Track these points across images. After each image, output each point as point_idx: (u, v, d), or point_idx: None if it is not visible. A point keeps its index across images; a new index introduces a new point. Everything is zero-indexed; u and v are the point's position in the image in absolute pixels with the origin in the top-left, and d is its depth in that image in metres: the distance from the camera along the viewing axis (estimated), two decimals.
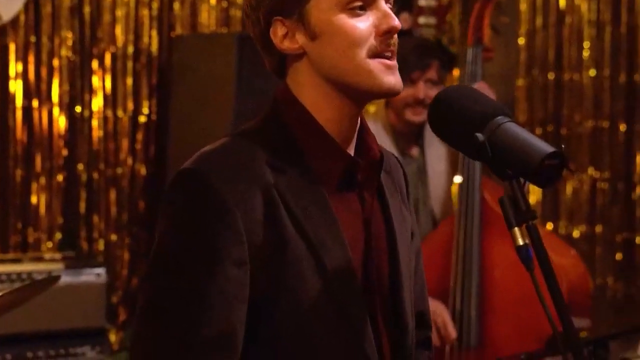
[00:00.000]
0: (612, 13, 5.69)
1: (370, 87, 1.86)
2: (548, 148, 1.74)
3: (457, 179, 4.13)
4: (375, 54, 1.86)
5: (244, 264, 1.78)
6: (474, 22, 4.23)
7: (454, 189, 4.67)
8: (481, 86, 4.03)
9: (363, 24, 1.85)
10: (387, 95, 1.91)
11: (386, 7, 1.88)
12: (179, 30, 5.37)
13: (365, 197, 1.93)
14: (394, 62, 1.88)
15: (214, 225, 1.77)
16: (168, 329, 1.77)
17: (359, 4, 1.85)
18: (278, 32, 1.88)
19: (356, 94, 1.88)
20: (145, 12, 5.30)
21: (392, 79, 1.87)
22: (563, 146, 1.76)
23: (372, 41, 1.85)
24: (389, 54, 1.87)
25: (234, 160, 1.83)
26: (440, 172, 4.10)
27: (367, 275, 1.91)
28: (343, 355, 1.85)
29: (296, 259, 1.81)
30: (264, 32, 1.90)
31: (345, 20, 1.85)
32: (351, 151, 1.93)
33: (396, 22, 1.87)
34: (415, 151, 4.08)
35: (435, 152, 4.09)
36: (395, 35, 1.89)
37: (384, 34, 1.86)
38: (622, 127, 5.68)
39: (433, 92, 4.35)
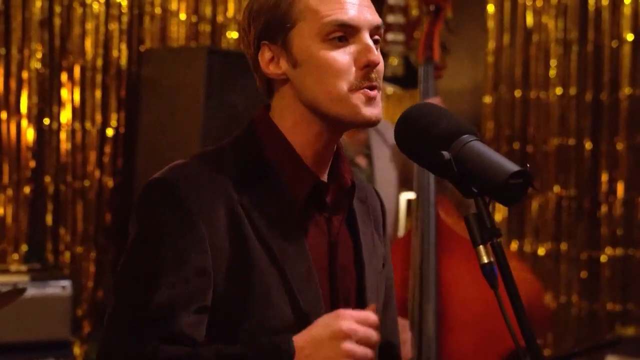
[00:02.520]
0: (579, 32, 5.74)
1: (351, 118, 1.88)
2: (513, 167, 1.76)
3: (409, 195, 4.15)
4: (354, 88, 1.87)
5: (205, 274, 1.82)
6: (424, 40, 4.26)
7: (404, 205, 4.70)
8: (436, 102, 4.06)
9: (343, 56, 1.87)
10: (367, 125, 1.93)
11: (368, 40, 1.89)
12: (148, 44, 5.37)
13: (333, 221, 1.96)
14: (374, 93, 1.89)
15: (178, 231, 1.82)
16: (123, 335, 1.86)
17: (339, 34, 1.87)
18: (265, 56, 1.92)
19: (335, 123, 1.91)
20: (115, 26, 5.30)
21: (372, 110, 1.88)
22: (528, 165, 1.78)
23: (352, 74, 1.87)
24: (370, 85, 1.88)
25: (200, 174, 1.87)
26: (389, 182, 4.11)
27: (332, 292, 1.94)
28: None
29: (260, 272, 1.84)
30: (254, 54, 1.94)
31: (325, 52, 1.87)
32: (324, 176, 1.96)
33: (375, 56, 1.88)
34: (363, 161, 4.09)
35: (384, 162, 4.11)
36: (379, 67, 1.90)
37: (363, 68, 1.87)
38: (588, 145, 5.72)
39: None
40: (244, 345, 1.80)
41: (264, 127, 1.94)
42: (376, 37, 1.92)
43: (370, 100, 1.88)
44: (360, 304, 1.97)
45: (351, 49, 1.88)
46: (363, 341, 1.75)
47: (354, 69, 1.87)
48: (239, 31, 2.01)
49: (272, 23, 1.90)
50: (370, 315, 1.77)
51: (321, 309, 1.88)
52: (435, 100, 4.05)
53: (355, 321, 1.75)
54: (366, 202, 2.07)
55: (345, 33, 1.87)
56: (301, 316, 1.86)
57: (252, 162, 1.91)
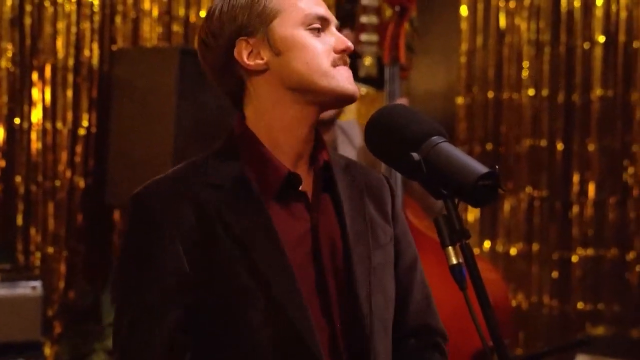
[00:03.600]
0: (552, 34, 5.77)
1: (335, 90, 1.99)
2: (482, 168, 1.76)
3: None
4: (335, 64, 2.00)
5: (179, 273, 1.93)
6: (389, 41, 4.27)
7: None
8: (403, 102, 4.07)
9: (322, 43, 2.01)
10: (350, 100, 2.03)
11: (337, 32, 2.04)
12: (120, 43, 5.35)
13: (313, 206, 2.01)
14: (348, 72, 2.03)
15: (148, 239, 1.96)
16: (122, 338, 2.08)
17: (317, 26, 2.00)
18: (243, 51, 2.00)
19: (321, 97, 2.00)
20: (86, 25, 5.27)
21: (352, 86, 2.01)
22: (497, 167, 1.78)
23: (332, 55, 2.00)
24: (345, 65, 2.03)
25: (173, 182, 2.00)
26: None
27: (320, 276, 1.99)
28: (285, 351, 1.93)
29: (229, 261, 1.92)
30: (224, 55, 2.02)
31: (308, 37, 2.00)
32: (303, 164, 2.02)
33: (349, 43, 2.03)
34: None
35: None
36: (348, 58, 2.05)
37: (340, 52, 2.01)
38: (560, 147, 5.75)
39: None
40: None
41: (240, 133, 2.03)
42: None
43: (349, 77, 2.01)
44: (349, 275, 2.01)
45: (326, 38, 2.01)
46: None
47: (332, 53, 2.00)
48: (199, 43, 2.06)
49: (251, 19, 2.00)
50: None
51: (296, 293, 1.93)
52: (402, 101, 4.06)
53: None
54: (359, 182, 2.12)
55: (321, 25, 2.01)
56: (275, 302, 1.92)
57: (226, 164, 2.00)
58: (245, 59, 2.00)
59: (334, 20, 2.05)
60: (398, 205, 2.20)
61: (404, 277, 2.18)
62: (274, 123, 2.00)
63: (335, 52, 2.00)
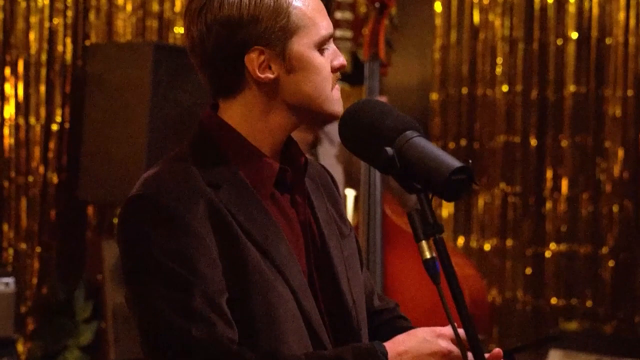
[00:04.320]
0: (525, 30, 5.79)
1: (332, 114, 2.01)
2: (456, 163, 1.77)
3: (353, 192, 4.17)
4: (332, 87, 2.00)
5: (217, 264, 1.89)
6: (369, 37, 4.27)
7: (351, 201, 4.71)
8: (382, 100, 4.08)
9: (327, 61, 2.00)
10: (337, 119, 2.02)
11: (334, 45, 2.02)
12: (94, 38, 5.33)
13: (298, 200, 2.03)
14: (338, 87, 2.04)
15: (173, 239, 1.87)
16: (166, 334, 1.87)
17: (327, 45, 1.99)
18: (256, 60, 1.95)
19: (316, 118, 2.03)
20: (59, 20, 5.25)
21: (341, 106, 2.02)
22: (470, 161, 1.79)
23: (332, 76, 2.00)
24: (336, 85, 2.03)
25: (174, 180, 1.93)
26: (337, 180, 4.13)
27: (310, 271, 2.01)
28: (300, 333, 1.94)
29: (251, 257, 1.90)
30: (231, 53, 1.95)
31: (320, 58, 1.98)
32: (277, 159, 2.02)
33: (344, 60, 2.03)
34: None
35: (329, 160, 4.12)
36: None
37: (337, 70, 2.01)
38: (534, 142, 5.77)
39: None
40: (337, 350, 1.92)
41: (217, 128, 2.00)
42: None
43: (339, 97, 2.02)
44: (331, 269, 2.03)
45: (327, 53, 2.00)
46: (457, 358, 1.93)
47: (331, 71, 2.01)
48: (195, 21, 1.96)
49: (274, 30, 1.94)
50: (462, 333, 1.87)
51: (305, 285, 1.96)
52: (381, 99, 4.06)
53: (451, 340, 1.93)
54: (315, 178, 2.13)
55: (327, 43, 2.00)
56: (294, 294, 1.93)
57: (214, 162, 1.97)
58: (256, 69, 1.95)
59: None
60: (340, 192, 2.23)
61: (360, 260, 2.21)
62: (258, 125, 1.98)
63: (332, 70, 2.00)
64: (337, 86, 2.02)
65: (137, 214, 1.91)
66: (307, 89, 1.96)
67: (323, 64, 1.98)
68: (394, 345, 1.93)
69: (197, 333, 1.83)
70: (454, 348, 1.92)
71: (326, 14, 2.01)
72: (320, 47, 1.97)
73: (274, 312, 1.89)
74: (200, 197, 1.90)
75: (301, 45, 1.95)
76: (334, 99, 1.99)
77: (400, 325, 2.17)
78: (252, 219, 1.92)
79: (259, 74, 1.95)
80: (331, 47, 2.01)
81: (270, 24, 1.93)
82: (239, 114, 1.99)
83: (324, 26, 1.98)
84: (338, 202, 2.17)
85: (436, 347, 1.92)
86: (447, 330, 1.93)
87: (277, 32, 1.94)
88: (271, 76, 1.95)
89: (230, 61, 1.95)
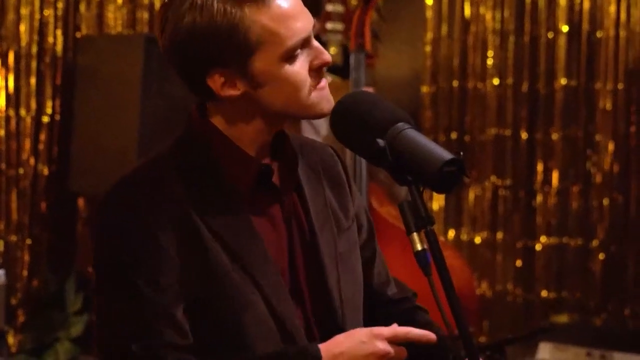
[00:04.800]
0: (516, 23, 5.79)
1: (314, 115, 1.97)
2: (447, 155, 1.77)
3: None
4: (312, 88, 1.93)
5: (173, 273, 1.87)
6: (355, 28, 4.26)
7: None
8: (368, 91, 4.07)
9: (301, 65, 1.91)
10: (324, 117, 1.98)
11: (316, 43, 1.94)
12: (84, 30, 5.32)
13: (284, 197, 2.00)
14: (324, 84, 1.95)
15: (139, 241, 1.88)
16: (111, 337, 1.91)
17: (299, 51, 1.91)
18: (217, 81, 1.90)
19: (298, 119, 2.08)
20: (50, 12, 5.23)
21: (328, 105, 1.95)
22: (461, 153, 1.79)
23: (309, 79, 1.92)
24: (322, 82, 1.96)
25: (147, 184, 1.92)
26: None
27: (293, 265, 1.98)
28: (271, 338, 1.92)
29: (218, 263, 1.89)
30: (192, 72, 1.92)
31: (288, 69, 1.90)
32: (266, 157, 2.00)
33: (327, 56, 1.95)
34: None
35: None
36: None
37: (319, 69, 1.94)
38: (524, 136, 5.77)
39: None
40: (270, 354, 1.90)
41: (204, 129, 1.97)
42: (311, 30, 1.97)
43: (325, 95, 1.95)
44: (318, 264, 2.01)
45: (304, 55, 1.93)
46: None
47: (309, 72, 1.93)
48: (159, 34, 1.95)
49: (227, 51, 1.88)
50: (401, 332, 1.89)
51: (282, 288, 1.94)
52: (367, 90, 4.06)
53: (389, 342, 1.89)
54: (316, 167, 2.10)
55: (301, 47, 1.91)
56: (265, 298, 1.91)
57: (196, 161, 1.95)
58: (220, 89, 1.91)
59: (312, 29, 1.94)
60: (350, 177, 2.19)
61: (368, 249, 2.18)
62: (242, 129, 1.96)
63: (312, 69, 1.92)
64: (324, 82, 1.95)
65: (104, 220, 1.93)
66: (279, 101, 1.92)
67: (294, 74, 1.90)
68: (331, 346, 1.90)
69: (137, 348, 1.84)
70: (391, 350, 1.89)
71: (300, 13, 1.91)
72: (288, 57, 1.89)
73: (240, 318, 1.88)
74: (171, 203, 1.89)
75: (263, 61, 1.89)
76: (314, 101, 1.93)
77: (418, 319, 2.16)
78: (225, 222, 1.91)
79: (223, 93, 1.91)
80: (310, 46, 1.93)
81: (225, 45, 1.87)
82: (221, 117, 1.96)
83: (293, 33, 1.89)
84: (343, 191, 2.13)
85: (372, 348, 1.88)
86: (385, 330, 1.90)
87: (234, 52, 1.87)
88: (236, 93, 1.91)
89: (196, 81, 1.92)
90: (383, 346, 1.88)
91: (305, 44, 1.91)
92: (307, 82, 1.92)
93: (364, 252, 2.16)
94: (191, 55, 1.89)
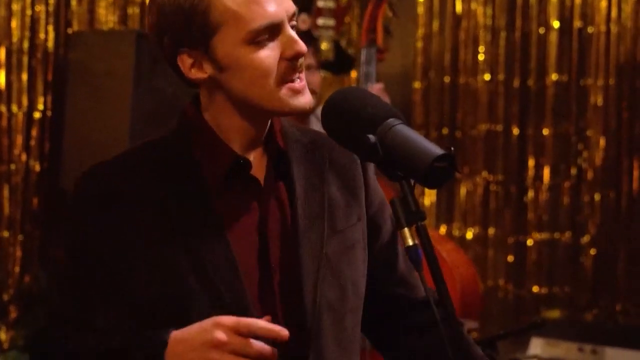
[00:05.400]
0: (507, 19, 5.80)
1: (281, 110, 1.91)
2: (438, 150, 1.77)
3: None
4: (282, 81, 1.88)
5: (118, 267, 1.88)
6: (367, 23, 4.26)
7: None
8: (377, 87, 4.07)
9: (269, 53, 1.87)
10: (300, 113, 1.94)
11: (291, 32, 1.89)
12: (76, 26, 5.31)
13: (264, 193, 1.96)
14: (302, 84, 1.91)
15: (98, 221, 1.89)
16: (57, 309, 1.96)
17: (265, 36, 1.87)
18: (185, 62, 1.90)
19: (267, 115, 1.94)
20: (41, 8, 5.23)
21: (302, 100, 1.91)
22: (452, 149, 1.79)
23: (279, 68, 1.88)
24: (296, 76, 1.90)
25: (120, 171, 1.92)
26: None
27: (265, 265, 1.94)
28: None
29: (174, 264, 1.87)
30: (170, 58, 1.92)
31: (252, 54, 1.86)
32: (258, 149, 1.97)
33: (301, 46, 1.89)
34: None
35: None
36: (302, 58, 1.92)
37: (291, 59, 1.88)
38: (516, 131, 5.79)
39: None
40: (129, 337, 1.85)
41: (192, 121, 1.96)
42: (293, 22, 1.92)
43: (298, 92, 1.90)
44: (295, 264, 1.95)
45: (276, 44, 1.88)
46: (237, 351, 1.75)
47: (280, 62, 1.88)
48: (147, 30, 1.96)
49: (191, 30, 1.87)
50: (243, 322, 1.76)
51: (243, 291, 1.89)
52: (377, 86, 4.06)
53: (233, 331, 1.75)
54: (322, 162, 2.05)
55: (270, 34, 1.87)
56: (222, 304, 1.86)
57: (176, 155, 1.93)
58: (188, 71, 1.90)
59: (286, 16, 1.89)
60: (372, 178, 2.15)
61: (386, 251, 2.12)
62: (224, 122, 1.94)
63: (284, 59, 1.88)
64: (301, 76, 1.91)
65: (76, 195, 1.95)
66: (241, 87, 1.88)
67: (258, 60, 1.86)
68: (182, 332, 1.81)
69: (54, 329, 1.93)
70: (232, 339, 1.75)
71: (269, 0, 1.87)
72: (254, 41, 1.85)
73: (184, 321, 1.83)
74: (139, 193, 1.88)
75: (225, 43, 1.86)
76: (283, 95, 1.89)
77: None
78: (189, 219, 1.88)
79: (191, 75, 1.90)
80: (283, 35, 1.88)
81: (187, 24, 1.86)
82: (209, 110, 1.96)
83: (256, 16, 1.85)
84: (355, 192, 2.07)
85: (209, 336, 1.76)
86: (228, 319, 1.77)
87: (196, 32, 1.86)
88: (203, 76, 1.90)
89: (171, 63, 1.93)
90: (220, 335, 1.75)
91: (274, 31, 1.87)
92: (274, 72, 1.87)
93: (382, 255, 2.11)
94: (162, 35, 1.90)
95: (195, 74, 1.90)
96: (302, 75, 1.93)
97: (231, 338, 1.75)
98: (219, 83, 1.91)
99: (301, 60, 1.92)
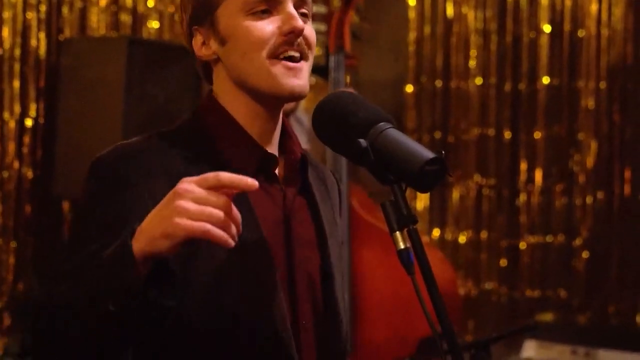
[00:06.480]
0: (498, 23, 5.81)
1: (270, 89, 1.91)
2: (429, 154, 1.77)
3: None
4: (275, 54, 1.90)
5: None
6: (334, 29, 4.25)
7: None
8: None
9: (266, 25, 1.90)
10: (290, 98, 1.95)
11: (291, 9, 1.91)
12: (67, 33, 5.31)
13: (287, 193, 1.97)
14: (299, 65, 1.92)
15: (119, 199, 1.83)
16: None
17: (263, 8, 1.91)
18: (197, 40, 1.96)
19: (260, 96, 1.93)
20: (32, 15, 5.23)
21: (294, 81, 1.91)
22: (443, 152, 1.79)
23: (274, 42, 1.90)
24: (293, 53, 1.91)
25: (141, 151, 1.89)
26: None
27: (289, 266, 1.94)
28: (258, 345, 1.87)
29: (207, 247, 1.77)
30: (188, 40, 1.98)
31: (249, 24, 1.90)
32: (272, 149, 1.97)
33: (299, 22, 1.90)
34: None
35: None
36: (308, 37, 1.93)
37: (286, 35, 1.90)
38: (507, 135, 5.80)
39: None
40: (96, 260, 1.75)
41: (209, 108, 1.97)
42: (303, 10, 1.95)
43: (291, 70, 1.91)
44: (326, 271, 1.99)
45: (276, 19, 1.91)
46: (201, 200, 1.63)
47: (276, 37, 1.90)
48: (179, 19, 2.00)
49: (199, 7, 1.94)
50: (217, 175, 1.65)
51: (275, 278, 1.88)
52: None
53: (195, 183, 1.65)
54: (325, 181, 2.10)
55: (269, 6, 1.91)
56: (254, 289, 1.86)
57: (199, 140, 1.93)
58: (199, 49, 1.96)
59: None
60: (344, 202, 2.19)
61: None
62: (237, 116, 1.95)
63: (280, 34, 1.90)
64: (301, 62, 1.92)
65: (94, 175, 1.88)
66: (237, 58, 1.91)
67: (254, 29, 1.89)
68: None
69: (43, 288, 1.81)
70: (194, 188, 1.64)
71: None
72: (251, 11, 1.90)
73: (214, 298, 1.82)
74: (165, 173, 1.84)
75: (225, 14, 1.92)
76: (271, 71, 1.90)
77: None
78: None
79: (200, 53, 1.96)
80: (283, 11, 1.91)
81: (195, 2, 1.95)
82: (216, 92, 1.98)
83: None
84: (335, 205, 2.12)
85: (171, 193, 1.65)
86: (192, 177, 1.67)
87: (204, 6, 1.93)
88: (209, 52, 1.95)
89: (190, 45, 1.98)
90: (183, 185, 1.65)
91: (274, 5, 1.91)
92: (267, 44, 1.89)
93: None
94: (182, 17, 1.98)
95: (204, 52, 1.95)
96: (304, 64, 1.94)
97: (194, 188, 1.64)
98: (222, 60, 1.94)
99: (305, 42, 1.93)
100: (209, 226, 1.61)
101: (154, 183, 1.83)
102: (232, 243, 1.63)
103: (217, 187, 1.64)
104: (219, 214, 1.63)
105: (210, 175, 1.64)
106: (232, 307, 1.84)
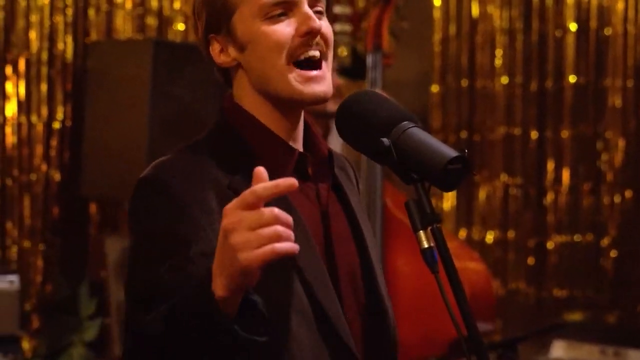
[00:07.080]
0: (524, 21, 5.80)
1: (290, 95, 1.91)
2: (452, 152, 1.77)
3: None
4: (295, 56, 1.89)
5: (210, 256, 1.74)
6: (372, 27, 4.24)
7: None
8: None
9: (283, 28, 1.89)
10: (313, 103, 1.93)
11: (308, 10, 1.90)
12: (94, 36, 5.34)
13: (320, 190, 1.97)
14: (319, 73, 1.91)
15: (177, 222, 1.80)
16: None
17: (279, 11, 1.90)
18: (215, 48, 1.95)
19: (282, 102, 1.92)
20: (59, 18, 5.26)
21: (315, 87, 1.91)
22: (466, 150, 1.79)
23: (291, 45, 1.89)
24: (313, 53, 1.90)
25: (186, 166, 1.88)
26: None
27: (330, 262, 1.94)
28: (315, 339, 1.87)
29: None
30: (205, 48, 1.98)
31: (265, 28, 1.89)
32: (300, 148, 1.97)
33: (316, 23, 1.89)
34: None
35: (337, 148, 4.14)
36: (325, 35, 1.92)
37: (304, 35, 1.89)
38: (534, 134, 5.78)
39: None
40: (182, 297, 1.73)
41: (234, 114, 1.96)
42: (317, 7, 1.94)
43: (310, 80, 1.90)
44: (366, 266, 1.99)
45: (292, 21, 1.90)
46: (253, 225, 1.57)
47: (293, 39, 1.89)
48: (193, 28, 2.01)
49: (214, 15, 1.93)
50: (255, 189, 1.59)
51: (323, 277, 1.89)
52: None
53: (240, 209, 1.59)
54: (346, 170, 2.09)
55: (284, 9, 1.90)
56: (306, 287, 1.86)
57: (232, 148, 1.92)
58: (218, 57, 1.95)
59: None
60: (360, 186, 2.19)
61: None
62: (257, 113, 1.95)
63: (297, 36, 1.89)
64: (322, 66, 1.91)
65: (141, 196, 1.87)
66: (256, 63, 1.91)
67: (271, 32, 1.89)
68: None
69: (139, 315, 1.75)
70: (242, 216, 1.57)
71: None
72: (267, 15, 1.89)
73: (272, 303, 1.76)
74: (210, 185, 1.84)
75: (241, 20, 1.91)
76: (289, 76, 1.89)
77: None
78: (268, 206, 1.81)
79: (219, 61, 1.95)
80: (299, 12, 1.90)
81: (210, 10, 1.94)
82: (237, 98, 1.97)
83: None
84: (358, 194, 2.12)
85: (222, 231, 1.60)
86: (229, 205, 1.61)
87: (219, 15, 1.92)
88: (229, 59, 1.94)
89: (206, 53, 1.98)
90: (228, 220, 1.59)
91: (290, 7, 1.90)
92: (285, 47, 1.89)
93: None
94: (197, 25, 1.98)
95: (223, 59, 1.95)
96: (324, 66, 1.93)
97: (240, 215, 1.58)
98: (242, 67, 1.93)
99: (322, 41, 1.92)
100: (275, 245, 1.57)
101: (203, 197, 1.83)
102: (297, 248, 1.60)
103: (257, 203, 1.59)
104: (277, 229, 1.58)
105: (247, 194, 1.58)
106: (297, 306, 1.85)
